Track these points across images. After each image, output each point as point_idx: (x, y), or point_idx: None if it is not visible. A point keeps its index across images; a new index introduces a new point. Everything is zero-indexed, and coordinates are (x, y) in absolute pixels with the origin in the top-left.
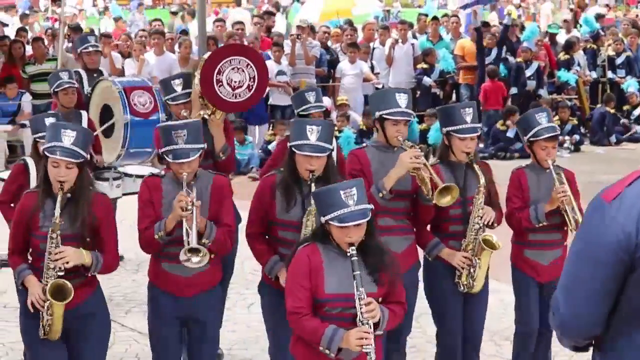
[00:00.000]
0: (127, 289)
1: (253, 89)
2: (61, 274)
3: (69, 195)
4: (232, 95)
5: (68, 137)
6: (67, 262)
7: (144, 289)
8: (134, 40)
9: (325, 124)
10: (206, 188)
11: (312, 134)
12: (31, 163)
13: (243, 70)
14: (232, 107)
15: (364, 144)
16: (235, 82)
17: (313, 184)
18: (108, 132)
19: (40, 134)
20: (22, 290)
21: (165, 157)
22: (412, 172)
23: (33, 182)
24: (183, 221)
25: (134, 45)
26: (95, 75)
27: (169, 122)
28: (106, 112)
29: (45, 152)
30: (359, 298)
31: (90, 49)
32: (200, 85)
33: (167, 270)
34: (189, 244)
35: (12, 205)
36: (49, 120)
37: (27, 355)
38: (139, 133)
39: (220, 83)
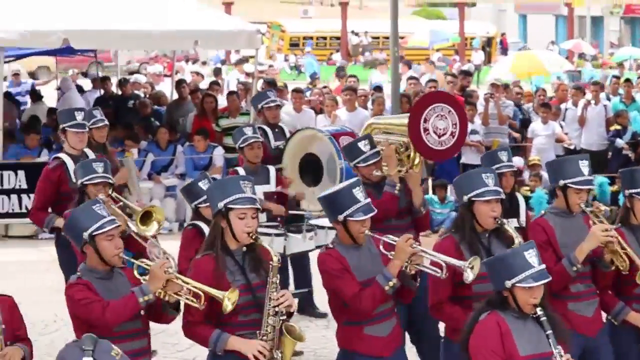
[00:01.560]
0: (315, 345)
1: (456, 136)
2: (283, 318)
3: (244, 248)
4: (438, 143)
5: (249, 188)
6: (290, 304)
7: (332, 345)
8: (326, 97)
9: None
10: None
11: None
12: (204, 227)
13: (446, 117)
14: (439, 154)
15: (542, 212)
16: (440, 129)
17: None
18: (315, 180)
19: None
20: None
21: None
22: (603, 244)
23: None
24: None
25: (327, 101)
26: (276, 130)
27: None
28: (308, 162)
29: (230, 205)
30: (559, 355)
31: (272, 104)
32: (409, 135)
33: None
34: None
35: None
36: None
37: None
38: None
39: (427, 131)
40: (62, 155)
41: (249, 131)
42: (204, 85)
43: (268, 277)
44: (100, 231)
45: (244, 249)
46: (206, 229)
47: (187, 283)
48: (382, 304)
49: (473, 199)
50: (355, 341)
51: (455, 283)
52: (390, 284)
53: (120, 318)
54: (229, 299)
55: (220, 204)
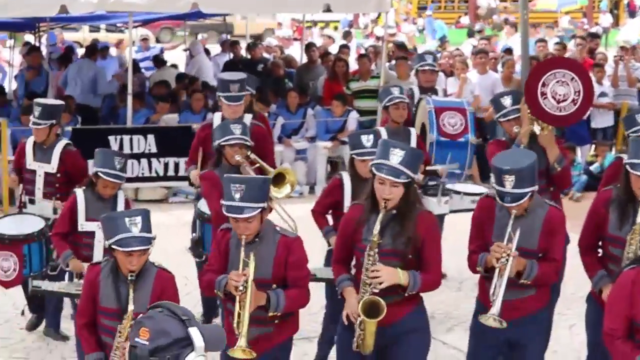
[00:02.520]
0: (449, 306)
1: (578, 103)
2: (376, 291)
3: (394, 211)
4: (557, 109)
5: (396, 156)
6: (381, 283)
7: (465, 306)
8: (456, 59)
9: None
10: (539, 219)
11: None
12: (347, 178)
13: (568, 84)
14: (556, 120)
15: None
16: (559, 95)
17: None
18: None
19: (356, 151)
20: (341, 300)
21: None
22: None
23: (347, 198)
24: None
25: (457, 64)
26: (429, 94)
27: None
28: (423, 131)
29: (372, 169)
30: None
31: (426, 67)
32: (525, 97)
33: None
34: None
35: (325, 215)
36: (366, 138)
37: None
38: (445, 153)
39: (545, 96)
40: (216, 115)
41: (395, 91)
42: (333, 48)
43: (366, 250)
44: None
45: (394, 211)
46: (347, 182)
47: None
48: None
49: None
50: None
51: None
52: None
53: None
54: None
55: (370, 165)
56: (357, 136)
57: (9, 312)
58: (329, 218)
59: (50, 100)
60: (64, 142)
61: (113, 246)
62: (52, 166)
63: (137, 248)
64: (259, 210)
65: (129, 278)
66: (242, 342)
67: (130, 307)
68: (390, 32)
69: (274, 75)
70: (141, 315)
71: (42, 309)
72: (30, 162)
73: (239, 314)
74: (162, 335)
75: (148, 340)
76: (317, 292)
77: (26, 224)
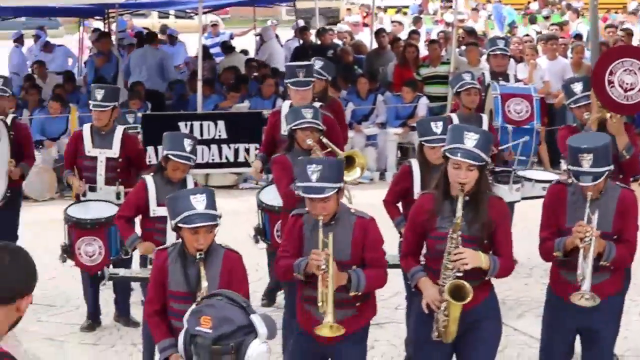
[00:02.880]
0: (519, 292)
1: None
2: (459, 274)
3: (467, 197)
4: (623, 97)
5: (471, 140)
6: (466, 264)
7: (536, 292)
8: (526, 45)
9: None
10: (613, 201)
11: None
12: (415, 165)
13: (635, 73)
14: (622, 109)
15: None
16: (627, 84)
17: None
18: None
19: (426, 138)
20: (416, 292)
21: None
22: None
23: (416, 185)
24: (591, 246)
25: (526, 50)
26: (500, 79)
27: None
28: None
29: (446, 153)
30: None
31: (497, 52)
32: (592, 85)
33: (565, 278)
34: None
35: (397, 204)
36: (435, 125)
37: (414, 355)
38: (510, 140)
39: (612, 84)
40: (286, 102)
41: (467, 77)
42: (402, 35)
43: (449, 231)
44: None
45: (467, 197)
46: (415, 169)
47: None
48: None
49: None
50: None
51: None
52: None
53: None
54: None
55: (442, 150)
56: (426, 123)
57: (80, 298)
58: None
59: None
60: (121, 127)
61: (179, 224)
62: (114, 151)
63: (203, 224)
64: (336, 190)
65: (198, 256)
66: (329, 318)
67: (204, 283)
68: (460, 17)
69: (344, 62)
70: (200, 304)
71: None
72: (89, 149)
73: (323, 294)
74: (226, 323)
75: (211, 328)
76: (389, 279)
77: (99, 208)
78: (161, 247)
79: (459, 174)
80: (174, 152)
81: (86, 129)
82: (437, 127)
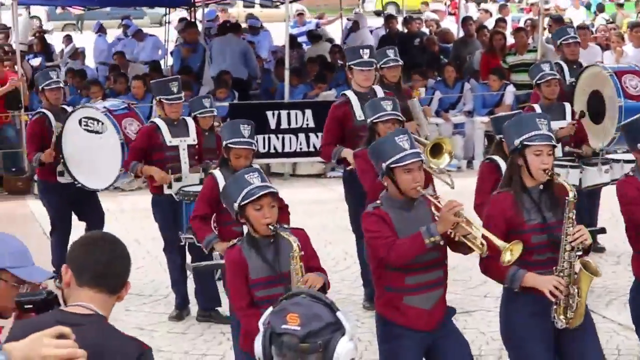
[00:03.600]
0: (607, 280)
1: None
2: (580, 253)
3: (540, 186)
4: None
5: (544, 125)
6: (586, 239)
7: (623, 281)
8: (612, 32)
9: None
10: None
11: None
12: (501, 161)
13: None
14: None
15: None
16: None
17: None
18: (598, 119)
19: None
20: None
21: None
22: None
23: None
24: None
25: (613, 37)
26: (574, 67)
27: None
28: (594, 98)
29: (526, 142)
30: None
31: (570, 40)
32: None
33: None
34: None
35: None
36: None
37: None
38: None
39: None
40: (348, 92)
41: (546, 67)
42: (488, 22)
43: (564, 212)
44: (399, 164)
45: (541, 186)
46: (502, 164)
47: (475, 229)
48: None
49: None
50: None
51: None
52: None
53: (404, 258)
54: (510, 252)
55: (517, 141)
56: (502, 119)
57: (168, 287)
58: None
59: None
60: (189, 117)
61: (242, 203)
62: (192, 137)
63: (265, 192)
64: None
65: (271, 228)
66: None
67: (294, 243)
68: (546, 6)
69: (430, 50)
70: (283, 301)
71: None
72: (170, 140)
73: (475, 237)
74: (314, 320)
75: (300, 325)
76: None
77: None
78: (230, 244)
79: (542, 159)
80: (233, 140)
81: (160, 122)
82: None
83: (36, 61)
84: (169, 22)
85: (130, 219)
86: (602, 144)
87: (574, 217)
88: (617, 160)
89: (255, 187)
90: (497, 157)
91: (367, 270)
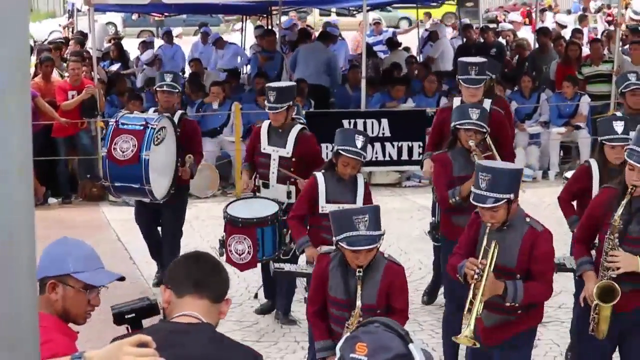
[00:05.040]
0: None
1: None
2: (614, 275)
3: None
4: None
5: None
6: (618, 268)
7: None
8: None
9: None
10: None
11: None
12: (594, 165)
13: None
14: None
15: None
16: None
17: None
18: None
19: (607, 137)
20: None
21: None
22: None
23: (595, 185)
24: None
25: None
26: None
27: None
28: None
29: (625, 155)
30: None
31: None
32: None
33: None
34: None
35: (572, 202)
36: (617, 124)
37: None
38: None
39: None
40: (456, 98)
41: (632, 77)
42: (565, 33)
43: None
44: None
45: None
46: (595, 169)
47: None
48: None
49: None
50: None
51: None
52: None
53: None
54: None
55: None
56: (607, 121)
57: (243, 295)
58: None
59: (282, 83)
60: (299, 126)
61: (340, 244)
62: (287, 150)
63: (364, 248)
64: (504, 200)
65: (357, 274)
66: (466, 332)
67: (358, 302)
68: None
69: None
70: (359, 327)
71: (275, 294)
72: (265, 146)
73: (471, 302)
74: (383, 351)
75: (366, 355)
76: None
77: (259, 208)
78: (324, 251)
79: (632, 175)
80: (345, 147)
81: (264, 125)
82: (618, 126)
83: (114, 67)
84: (244, 30)
85: (205, 226)
86: None
87: (615, 240)
88: None
89: (358, 237)
90: (592, 160)
91: (436, 280)
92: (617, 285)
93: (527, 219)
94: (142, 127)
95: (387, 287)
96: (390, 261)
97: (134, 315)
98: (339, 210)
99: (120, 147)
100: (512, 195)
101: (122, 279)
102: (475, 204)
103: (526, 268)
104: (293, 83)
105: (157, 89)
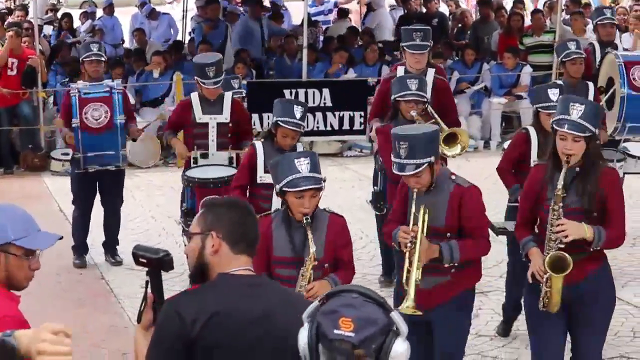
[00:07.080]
0: (623, 262)
1: None
2: (561, 246)
3: (577, 169)
4: None
5: (576, 111)
6: (567, 236)
7: (638, 262)
8: (630, 15)
9: None
10: None
11: None
12: (533, 132)
13: None
14: None
15: None
16: None
17: None
18: (609, 105)
19: (542, 104)
20: (524, 262)
21: None
22: None
23: (534, 151)
24: None
25: (630, 19)
26: (609, 48)
27: None
28: (610, 85)
29: (553, 125)
30: None
31: (606, 21)
32: None
33: None
34: None
35: (512, 171)
36: (552, 92)
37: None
38: (636, 108)
39: None
40: (400, 68)
41: (572, 46)
42: (506, 3)
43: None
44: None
45: (577, 169)
46: (533, 135)
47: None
48: None
49: None
50: None
51: None
52: None
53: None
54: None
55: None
56: (542, 89)
57: (183, 265)
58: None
59: (209, 56)
60: (229, 92)
61: (284, 188)
62: (225, 116)
63: (308, 187)
64: (425, 164)
65: (305, 221)
66: (408, 302)
67: (312, 248)
68: None
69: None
70: (331, 299)
71: None
72: (200, 116)
73: (408, 270)
74: (369, 324)
75: (354, 331)
76: (493, 248)
77: (219, 170)
78: (264, 213)
79: (565, 145)
80: (283, 119)
81: (195, 97)
82: (553, 94)
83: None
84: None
85: (146, 196)
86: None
87: (560, 210)
88: (634, 156)
89: (301, 178)
90: (530, 128)
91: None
92: (567, 255)
93: (453, 177)
94: (108, 93)
95: (333, 240)
96: (332, 214)
97: (145, 261)
98: (277, 158)
99: (92, 115)
100: (432, 158)
101: (60, 238)
102: (398, 173)
103: (456, 226)
104: (219, 56)
105: (85, 59)
